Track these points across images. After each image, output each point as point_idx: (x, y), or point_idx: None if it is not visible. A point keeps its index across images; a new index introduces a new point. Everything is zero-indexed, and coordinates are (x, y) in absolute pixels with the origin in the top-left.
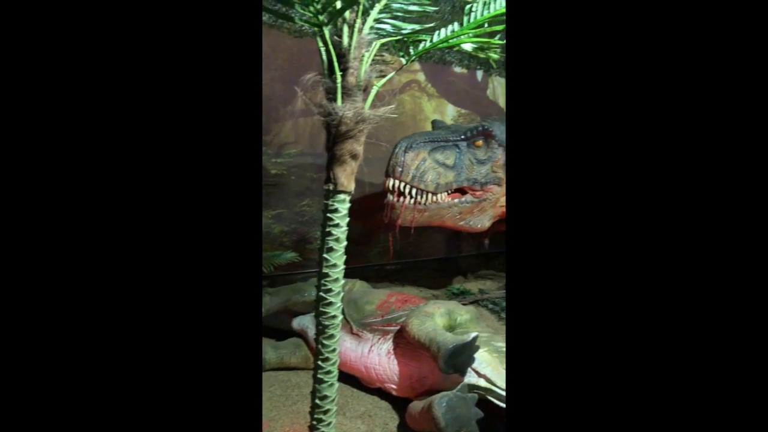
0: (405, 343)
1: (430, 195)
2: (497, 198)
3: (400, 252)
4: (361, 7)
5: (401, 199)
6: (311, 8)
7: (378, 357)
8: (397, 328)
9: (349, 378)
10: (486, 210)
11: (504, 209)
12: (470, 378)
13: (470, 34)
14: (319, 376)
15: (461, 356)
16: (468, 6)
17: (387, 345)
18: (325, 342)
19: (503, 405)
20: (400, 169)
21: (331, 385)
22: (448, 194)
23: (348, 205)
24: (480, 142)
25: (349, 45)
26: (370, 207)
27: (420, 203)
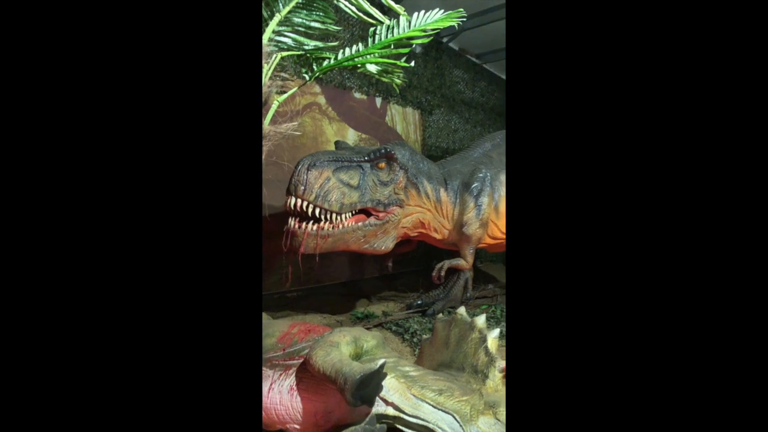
0: (309, 377)
1: (334, 215)
2: (399, 219)
3: (302, 278)
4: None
5: (303, 225)
6: None
7: (279, 395)
8: (301, 361)
9: None
10: (389, 232)
11: (405, 230)
12: (378, 407)
13: (376, 54)
14: None
15: (369, 386)
16: (372, 29)
17: (289, 381)
18: None
19: None
20: (302, 188)
21: None
22: (352, 215)
23: None
24: (383, 164)
25: None
26: (268, 231)
27: (323, 228)
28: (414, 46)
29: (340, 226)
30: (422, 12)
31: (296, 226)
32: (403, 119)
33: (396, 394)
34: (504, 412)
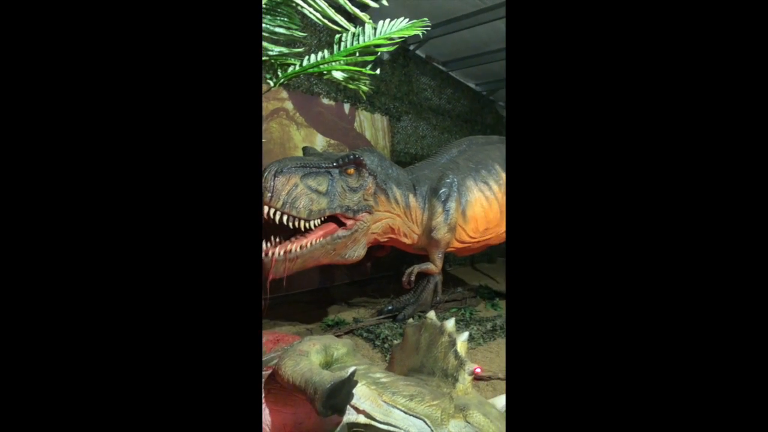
0: (278, 388)
1: (302, 222)
2: (368, 226)
3: (271, 287)
4: None
5: (270, 252)
6: None
7: None
8: (269, 372)
9: None
10: (359, 240)
11: (375, 236)
12: (349, 416)
13: (342, 62)
14: None
15: (340, 395)
16: (337, 36)
17: None
18: None
19: None
20: (269, 195)
21: None
22: (321, 222)
23: None
24: (352, 170)
25: None
26: None
27: (290, 252)
28: (381, 53)
29: (308, 245)
30: (387, 20)
31: (263, 254)
32: (371, 125)
33: (367, 401)
34: (474, 415)
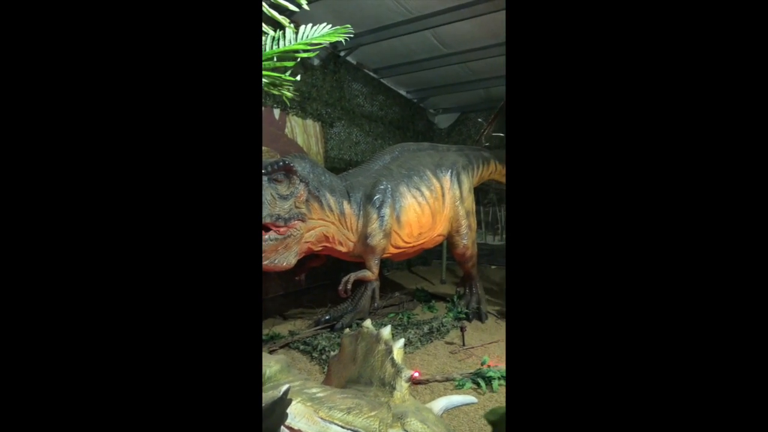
0: None
1: None
2: (302, 234)
3: None
4: None
5: None
6: None
7: None
8: None
9: None
10: (291, 247)
11: (309, 245)
12: None
13: None
14: None
15: (272, 417)
16: None
17: None
18: None
19: None
20: None
21: None
22: None
23: None
24: (281, 178)
25: None
26: None
27: None
28: (310, 58)
29: None
30: (309, 25)
31: None
32: (303, 131)
33: (302, 419)
34: (411, 422)
